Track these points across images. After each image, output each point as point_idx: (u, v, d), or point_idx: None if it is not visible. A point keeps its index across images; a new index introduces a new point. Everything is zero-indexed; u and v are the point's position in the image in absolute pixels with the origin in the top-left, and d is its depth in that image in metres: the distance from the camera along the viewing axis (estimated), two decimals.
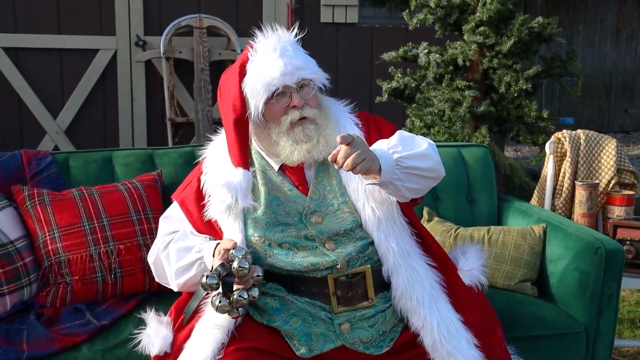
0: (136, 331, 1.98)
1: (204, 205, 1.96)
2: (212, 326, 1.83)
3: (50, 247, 2.34)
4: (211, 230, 1.96)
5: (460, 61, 3.99)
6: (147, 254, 2.36)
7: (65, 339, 2.14)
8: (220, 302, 1.75)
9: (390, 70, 4.33)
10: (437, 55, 4.08)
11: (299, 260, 1.86)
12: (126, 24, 4.97)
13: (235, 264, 1.75)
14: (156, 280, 2.09)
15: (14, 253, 2.30)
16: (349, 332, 1.86)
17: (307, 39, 2.07)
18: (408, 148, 1.85)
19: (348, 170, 1.73)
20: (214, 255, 1.85)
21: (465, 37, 4.03)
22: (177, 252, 1.94)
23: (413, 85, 4.21)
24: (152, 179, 2.56)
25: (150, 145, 5.07)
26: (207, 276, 1.75)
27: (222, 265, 1.76)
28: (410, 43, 4.35)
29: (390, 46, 4.59)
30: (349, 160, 1.70)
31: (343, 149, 1.71)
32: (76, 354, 2.11)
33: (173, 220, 2.04)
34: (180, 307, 1.98)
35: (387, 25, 5.46)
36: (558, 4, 9.66)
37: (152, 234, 2.42)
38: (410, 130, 4.18)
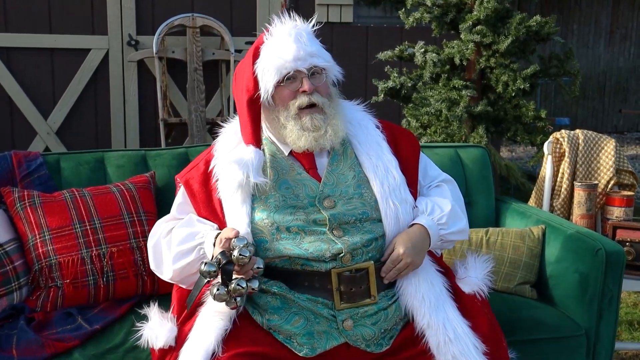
0: (138, 325, 1.96)
1: (209, 188, 1.97)
2: (214, 314, 1.85)
3: (40, 250, 2.30)
4: (213, 214, 1.95)
5: (457, 60, 3.96)
6: (140, 256, 2.35)
7: (56, 344, 2.10)
8: (218, 290, 1.75)
9: (386, 70, 4.30)
10: (434, 54, 4.05)
11: (306, 245, 1.87)
12: (118, 24, 4.93)
13: (235, 253, 1.75)
14: (151, 266, 2.04)
15: (3, 256, 2.27)
16: (351, 329, 1.86)
17: None
18: (453, 225, 2.03)
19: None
20: (214, 245, 1.84)
21: (462, 36, 4.00)
22: (180, 236, 1.93)
23: (409, 84, 4.18)
24: (145, 181, 2.52)
25: (143, 145, 5.03)
26: (206, 263, 1.76)
27: (222, 253, 1.77)
28: (406, 42, 4.32)
29: (385, 45, 4.56)
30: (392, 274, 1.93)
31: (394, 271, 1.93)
32: None
33: (182, 206, 2.04)
34: (182, 299, 1.97)
35: (382, 24, 5.43)
36: (552, 4, 9.67)
37: (145, 236, 2.38)
38: None
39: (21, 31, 4.84)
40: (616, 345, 2.99)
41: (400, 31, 5.18)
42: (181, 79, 4.93)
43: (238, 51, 4.94)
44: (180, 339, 1.88)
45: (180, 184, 2.05)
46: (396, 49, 4.29)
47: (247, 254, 1.75)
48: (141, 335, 1.94)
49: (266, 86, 1.92)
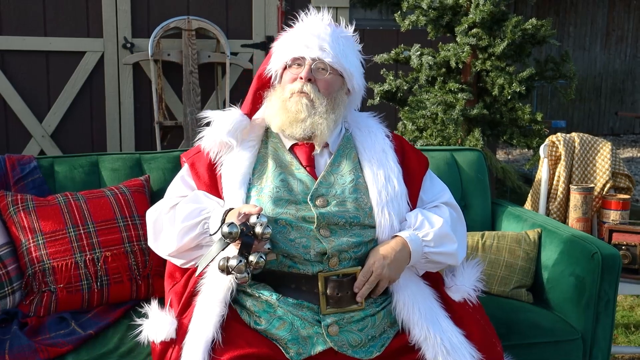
0: (137, 321, 1.95)
1: (214, 173, 2.01)
2: (210, 302, 1.86)
3: (34, 255, 2.28)
4: (217, 196, 1.98)
5: (453, 63, 3.96)
6: (134, 261, 2.33)
7: (50, 350, 2.08)
8: (239, 261, 1.75)
9: (382, 73, 4.29)
10: (430, 57, 4.04)
11: (292, 239, 1.87)
12: (113, 26, 4.91)
13: (259, 228, 1.76)
14: (149, 242, 2.05)
15: None
16: (337, 334, 1.85)
17: None
18: (440, 245, 1.97)
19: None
20: (224, 219, 1.84)
21: (457, 39, 4.00)
22: (185, 212, 1.94)
23: (405, 87, 4.17)
24: (140, 184, 2.50)
25: (138, 149, 5.01)
26: (229, 225, 1.73)
27: (244, 224, 1.76)
28: (402, 45, 4.31)
29: (381, 48, 4.55)
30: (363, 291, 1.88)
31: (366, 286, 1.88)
32: None
33: (186, 183, 2.06)
34: (179, 292, 1.98)
35: (378, 27, 5.42)
36: (548, 6, 9.68)
37: (140, 240, 2.37)
38: (402, 134, 4.14)
39: (16, 34, 4.81)
40: (612, 349, 2.98)
41: (396, 34, 5.17)
42: (177, 81, 4.91)
43: (234, 54, 4.93)
44: (181, 331, 1.88)
45: (185, 163, 2.10)
46: (392, 51, 4.28)
47: (270, 231, 1.77)
48: (140, 332, 1.93)
49: (274, 65, 2.02)
